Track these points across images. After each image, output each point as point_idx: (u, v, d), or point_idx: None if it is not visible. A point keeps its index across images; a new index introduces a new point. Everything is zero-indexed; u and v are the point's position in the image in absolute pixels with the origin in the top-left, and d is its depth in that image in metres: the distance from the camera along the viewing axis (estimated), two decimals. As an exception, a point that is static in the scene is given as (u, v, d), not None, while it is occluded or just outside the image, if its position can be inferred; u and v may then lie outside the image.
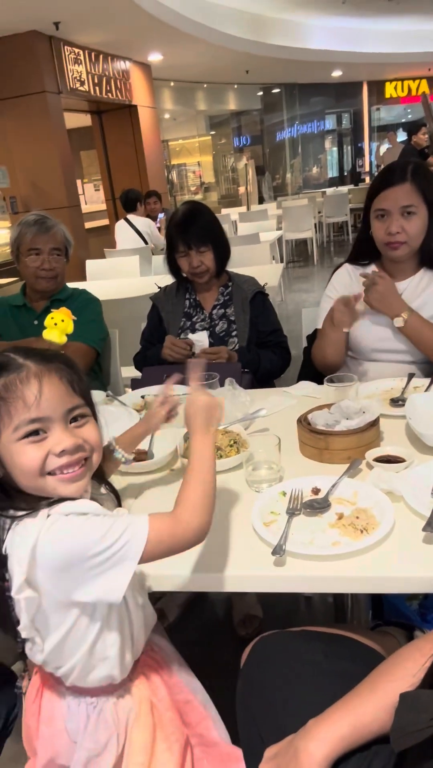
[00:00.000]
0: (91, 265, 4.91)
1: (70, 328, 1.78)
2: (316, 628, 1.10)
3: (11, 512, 0.86)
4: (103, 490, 1.05)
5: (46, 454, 0.85)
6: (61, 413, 0.86)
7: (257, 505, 1.15)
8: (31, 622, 0.88)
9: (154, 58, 8.70)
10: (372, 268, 1.85)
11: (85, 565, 0.81)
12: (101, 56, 7.68)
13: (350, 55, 11.80)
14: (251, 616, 1.92)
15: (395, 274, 1.82)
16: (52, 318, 1.75)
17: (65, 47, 6.83)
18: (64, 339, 1.80)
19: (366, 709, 0.81)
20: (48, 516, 0.83)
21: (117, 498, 1.06)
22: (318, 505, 1.13)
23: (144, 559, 0.84)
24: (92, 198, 10.80)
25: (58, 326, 1.73)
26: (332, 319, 1.73)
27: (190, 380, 1.15)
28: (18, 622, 0.89)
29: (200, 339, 1.98)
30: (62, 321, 1.72)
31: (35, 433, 0.85)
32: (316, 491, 1.19)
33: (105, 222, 8.97)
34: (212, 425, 1.06)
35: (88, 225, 7.95)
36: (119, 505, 1.06)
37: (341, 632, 1.09)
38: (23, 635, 0.90)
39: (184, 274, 2.13)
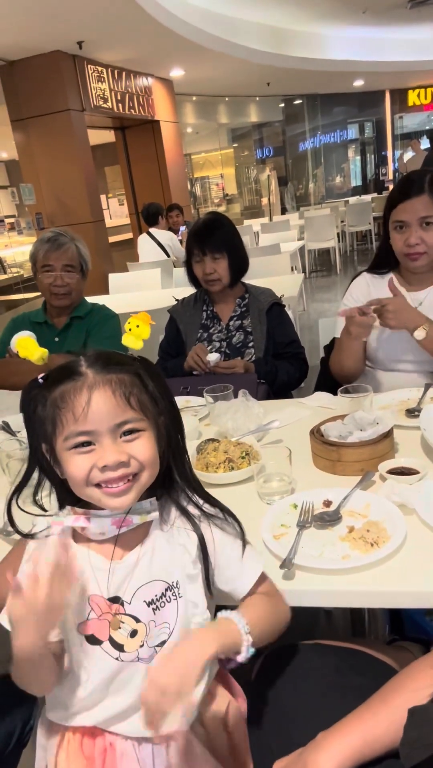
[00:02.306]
0: (113, 278, 4.98)
1: (146, 334, 1.78)
2: (329, 642, 1.08)
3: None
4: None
5: (91, 466, 0.85)
6: (108, 427, 0.85)
7: (268, 517, 1.15)
8: None
9: (176, 73, 8.82)
10: (390, 277, 1.84)
11: None
12: (124, 73, 7.82)
13: (371, 65, 11.78)
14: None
15: (414, 283, 1.81)
16: (130, 323, 1.76)
17: (88, 66, 6.98)
18: (141, 344, 1.79)
19: (377, 723, 0.80)
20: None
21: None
22: (329, 518, 1.12)
23: None
24: (116, 212, 10.97)
25: (132, 332, 1.72)
26: (349, 330, 1.72)
27: None
28: None
29: (212, 358, 1.98)
30: (137, 327, 1.71)
31: (83, 444, 0.85)
32: (327, 504, 1.18)
33: (129, 236, 9.10)
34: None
35: (112, 239, 8.07)
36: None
37: (354, 646, 1.08)
38: None
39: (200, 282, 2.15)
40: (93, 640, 0.89)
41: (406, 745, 0.74)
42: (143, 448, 0.87)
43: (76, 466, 0.85)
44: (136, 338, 1.76)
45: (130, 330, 1.71)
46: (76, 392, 0.85)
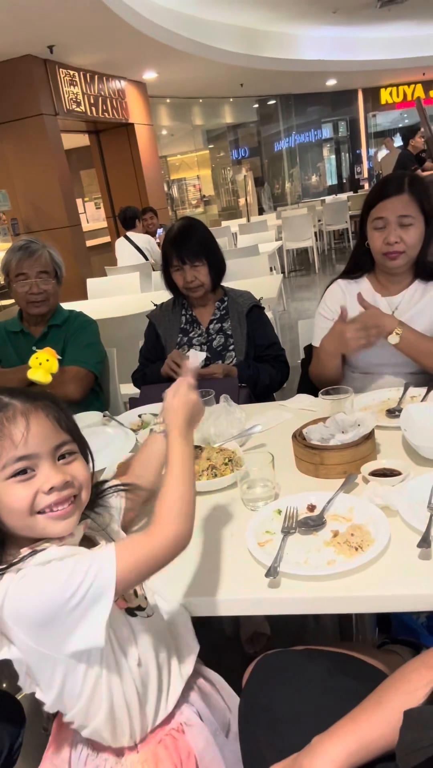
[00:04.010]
0: (92, 283, 4.93)
1: (55, 367, 1.81)
2: (319, 647, 1.08)
3: None
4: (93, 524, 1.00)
5: (35, 492, 0.84)
6: (48, 450, 0.86)
7: (252, 524, 1.14)
8: (29, 677, 0.86)
9: (149, 76, 8.80)
10: (364, 282, 1.85)
11: (62, 614, 0.78)
12: (96, 77, 7.78)
13: (343, 64, 11.87)
14: (259, 634, 1.90)
15: (390, 287, 1.81)
16: (37, 358, 1.77)
17: (60, 70, 6.92)
18: (50, 378, 1.82)
19: (372, 725, 0.79)
20: (18, 571, 0.81)
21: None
22: (313, 523, 1.12)
23: (121, 586, 0.81)
24: (93, 216, 10.90)
25: (42, 366, 1.74)
26: (347, 343, 1.67)
27: (182, 376, 1.12)
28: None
29: (197, 358, 1.96)
30: (47, 360, 1.74)
31: (23, 471, 0.84)
32: (311, 508, 1.18)
33: (107, 239, 9.04)
34: (194, 426, 1.04)
35: (90, 243, 8.01)
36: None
37: (345, 651, 1.08)
38: (25, 690, 0.88)
39: (180, 289, 2.13)
40: (130, 611, 0.91)
41: (402, 747, 0.73)
42: (81, 469, 0.89)
43: (17, 496, 0.83)
44: (45, 372, 1.78)
45: (40, 364, 1.73)
46: (11, 420, 0.84)
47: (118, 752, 0.95)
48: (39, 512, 0.85)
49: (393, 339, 1.65)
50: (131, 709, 0.92)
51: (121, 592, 0.83)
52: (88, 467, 0.92)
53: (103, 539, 0.97)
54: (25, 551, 0.84)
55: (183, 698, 1.00)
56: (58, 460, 0.87)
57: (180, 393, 1.06)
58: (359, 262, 1.86)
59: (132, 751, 0.95)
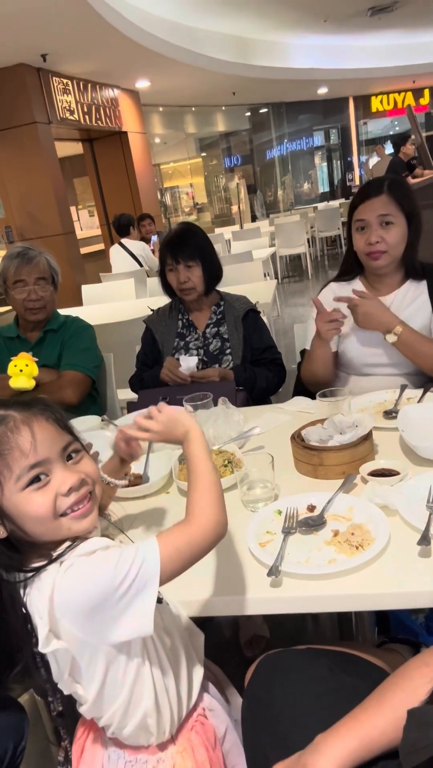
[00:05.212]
0: (87, 290, 4.94)
1: (36, 371, 1.80)
2: (320, 646, 1.09)
3: (24, 569, 0.84)
4: (105, 523, 1.03)
5: (54, 496, 0.84)
6: (57, 452, 0.86)
7: (253, 525, 1.15)
8: (69, 676, 0.86)
9: (142, 84, 8.84)
10: (357, 283, 1.87)
11: (109, 603, 0.79)
12: (89, 85, 7.81)
13: (334, 72, 11.98)
14: (258, 636, 1.90)
15: (381, 288, 1.83)
16: (16, 366, 1.76)
17: (53, 78, 6.95)
18: (33, 383, 1.81)
19: (374, 723, 0.79)
20: (61, 563, 0.82)
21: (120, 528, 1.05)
22: (313, 523, 1.12)
23: (166, 576, 0.83)
24: (87, 224, 10.91)
25: (23, 372, 1.74)
26: (318, 330, 1.73)
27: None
28: (46, 680, 0.87)
29: (188, 363, 1.97)
30: (26, 366, 1.74)
31: (37, 479, 0.84)
32: (311, 508, 1.18)
33: (101, 246, 9.06)
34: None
35: (84, 250, 8.02)
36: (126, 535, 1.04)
37: (346, 650, 1.08)
38: (65, 691, 0.88)
39: (174, 291, 2.15)
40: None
41: (405, 746, 0.73)
42: (90, 465, 0.91)
43: (38, 503, 0.83)
44: (27, 378, 1.78)
45: (21, 371, 1.72)
46: (14, 431, 0.84)
47: (159, 747, 0.96)
48: (62, 515, 0.85)
49: (391, 338, 1.66)
50: (171, 695, 0.93)
51: (165, 581, 0.83)
52: (95, 462, 0.93)
53: (118, 536, 0.99)
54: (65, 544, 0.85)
55: (202, 685, 1.02)
56: (67, 460, 0.88)
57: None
58: (350, 266, 1.89)
59: (170, 744, 0.96)
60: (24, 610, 0.83)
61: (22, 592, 0.84)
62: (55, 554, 0.84)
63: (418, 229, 1.75)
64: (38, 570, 0.83)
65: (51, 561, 0.83)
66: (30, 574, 0.83)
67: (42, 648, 0.80)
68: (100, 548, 0.83)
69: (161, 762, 0.95)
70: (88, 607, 0.79)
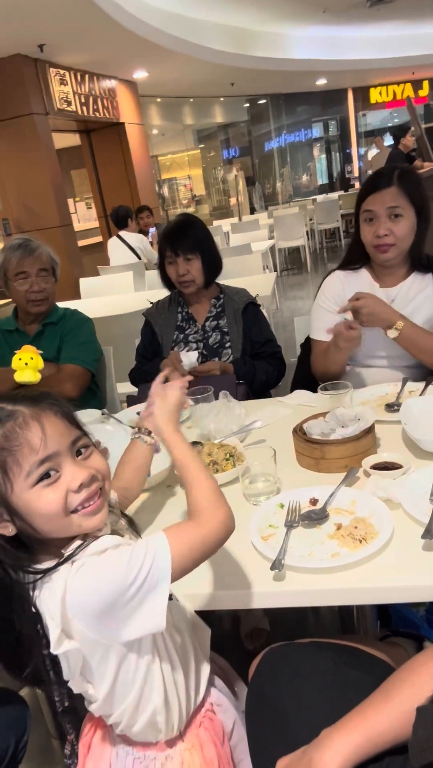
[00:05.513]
0: (85, 282, 4.92)
1: (41, 364, 1.78)
2: (324, 639, 1.08)
3: (35, 568, 0.83)
4: (122, 521, 1.01)
5: (65, 492, 0.83)
6: (66, 447, 0.84)
7: (255, 518, 1.14)
8: (80, 675, 0.86)
9: (140, 75, 8.78)
10: (364, 273, 1.85)
11: (121, 602, 0.78)
12: (87, 76, 7.75)
13: (333, 63, 11.91)
14: (259, 629, 1.90)
15: (386, 279, 1.82)
16: (21, 359, 1.74)
17: (50, 69, 6.89)
18: (38, 376, 1.79)
19: (381, 718, 0.79)
20: (72, 563, 0.81)
21: (133, 525, 1.03)
22: (316, 516, 1.12)
23: (177, 573, 0.82)
24: (85, 216, 10.87)
25: (29, 365, 1.72)
26: (338, 345, 1.68)
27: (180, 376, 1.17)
28: (55, 680, 0.87)
29: (189, 358, 1.96)
30: (31, 359, 1.72)
31: (47, 475, 0.82)
32: (314, 502, 1.18)
33: (98, 239, 9.02)
34: (178, 420, 1.06)
35: (81, 243, 7.98)
36: (136, 530, 1.03)
37: (349, 643, 1.08)
38: (75, 690, 0.88)
39: (174, 283, 2.13)
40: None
41: (415, 744, 0.73)
42: (100, 460, 0.89)
43: (49, 499, 0.82)
44: (32, 371, 1.75)
45: (26, 364, 1.70)
46: (24, 426, 0.82)
47: (168, 744, 0.95)
48: (72, 511, 0.84)
49: (392, 333, 1.65)
50: (179, 692, 0.93)
51: (176, 578, 0.83)
52: (104, 457, 0.92)
53: (126, 533, 0.98)
54: (75, 543, 0.84)
55: (209, 680, 1.02)
56: (77, 455, 0.86)
57: (169, 397, 1.09)
58: (356, 255, 1.87)
59: (179, 740, 0.96)
60: (34, 611, 0.83)
61: (32, 593, 0.83)
62: (66, 554, 0.83)
63: (427, 220, 1.72)
64: (49, 571, 0.82)
65: (61, 562, 0.82)
66: (43, 574, 0.82)
67: (54, 649, 0.80)
68: (111, 547, 0.82)
69: (170, 759, 0.94)
70: (100, 607, 0.78)
